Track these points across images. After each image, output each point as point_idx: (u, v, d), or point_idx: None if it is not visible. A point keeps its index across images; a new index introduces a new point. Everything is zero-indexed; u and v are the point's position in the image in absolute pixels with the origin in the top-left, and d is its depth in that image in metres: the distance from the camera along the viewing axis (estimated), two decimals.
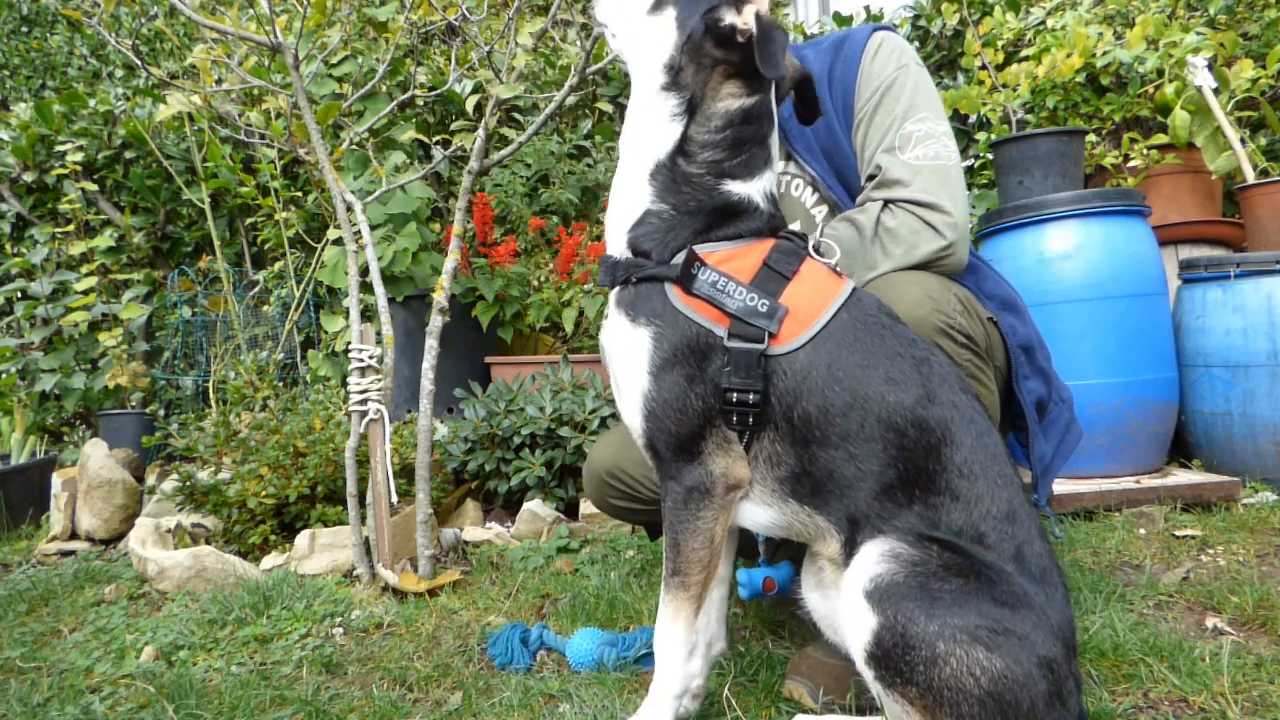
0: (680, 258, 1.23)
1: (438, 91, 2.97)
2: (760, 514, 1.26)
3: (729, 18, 1.25)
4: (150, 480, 3.27)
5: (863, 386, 1.16)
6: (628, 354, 1.25)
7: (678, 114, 1.28)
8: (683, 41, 1.28)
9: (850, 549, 1.17)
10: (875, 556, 1.10)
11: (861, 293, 1.26)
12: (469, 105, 2.72)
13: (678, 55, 1.28)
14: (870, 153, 1.54)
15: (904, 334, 1.23)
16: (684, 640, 1.26)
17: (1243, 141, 3.08)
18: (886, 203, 1.48)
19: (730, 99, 1.29)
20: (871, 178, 1.53)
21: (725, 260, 1.23)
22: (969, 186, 3.78)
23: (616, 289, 1.29)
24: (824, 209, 1.67)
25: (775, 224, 1.31)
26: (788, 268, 1.23)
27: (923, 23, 4.36)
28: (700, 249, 1.23)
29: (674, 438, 1.21)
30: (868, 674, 1.06)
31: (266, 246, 4.31)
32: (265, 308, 4.21)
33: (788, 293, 1.21)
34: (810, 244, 1.31)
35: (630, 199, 1.31)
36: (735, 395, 1.17)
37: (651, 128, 1.30)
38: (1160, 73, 3.23)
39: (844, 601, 1.13)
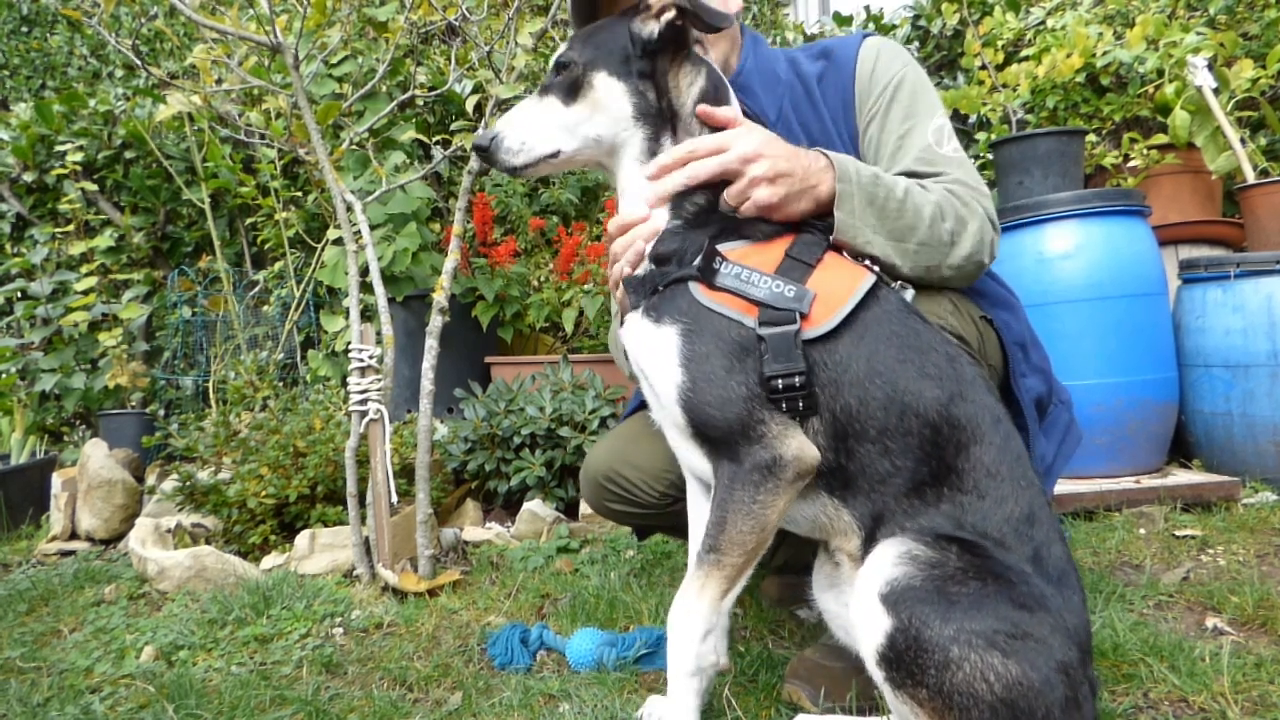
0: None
1: (438, 91, 2.97)
2: (793, 506, 1.24)
3: (650, 25, 1.28)
4: (150, 480, 3.27)
5: (901, 380, 1.16)
6: (654, 352, 1.24)
7: (665, 133, 1.31)
8: (635, 85, 1.30)
9: (869, 546, 1.16)
10: (892, 558, 1.09)
11: (884, 286, 1.26)
12: (469, 105, 2.71)
13: (637, 98, 1.30)
14: (897, 140, 1.54)
15: (933, 329, 1.23)
16: (704, 618, 1.19)
17: (1243, 141, 3.08)
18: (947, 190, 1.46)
19: (692, 87, 1.32)
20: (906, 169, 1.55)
21: (747, 255, 1.23)
22: None
23: (644, 301, 1.29)
24: None
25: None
26: (811, 256, 1.23)
27: (923, 23, 4.36)
28: (721, 246, 1.24)
29: (721, 424, 1.18)
30: (878, 675, 1.06)
31: (266, 246, 4.31)
32: (265, 308, 4.21)
33: (813, 279, 1.21)
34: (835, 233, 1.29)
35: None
36: (781, 381, 1.15)
37: (643, 160, 1.32)
38: (1160, 73, 3.23)
39: (857, 603, 1.11)
